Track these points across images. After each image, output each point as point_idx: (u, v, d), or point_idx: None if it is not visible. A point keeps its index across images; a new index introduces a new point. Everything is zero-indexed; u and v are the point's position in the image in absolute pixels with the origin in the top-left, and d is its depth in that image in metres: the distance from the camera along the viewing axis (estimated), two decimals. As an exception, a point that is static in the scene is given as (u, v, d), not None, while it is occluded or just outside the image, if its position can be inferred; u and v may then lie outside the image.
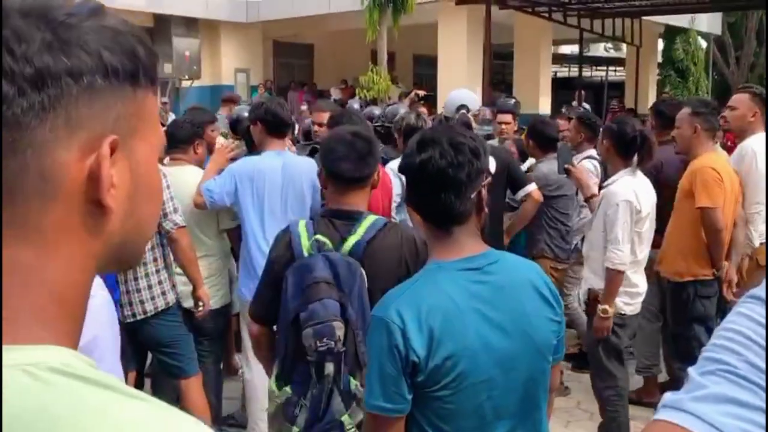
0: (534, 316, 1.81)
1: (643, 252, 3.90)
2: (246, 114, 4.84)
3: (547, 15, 15.56)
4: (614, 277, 3.78)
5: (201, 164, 4.32)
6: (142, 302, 3.71)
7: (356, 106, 5.63)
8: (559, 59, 26.70)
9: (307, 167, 4.00)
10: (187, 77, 18.66)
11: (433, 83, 16.73)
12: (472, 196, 1.79)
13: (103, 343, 1.44)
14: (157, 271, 3.75)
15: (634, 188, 3.76)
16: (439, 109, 4.63)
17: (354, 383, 2.35)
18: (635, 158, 3.87)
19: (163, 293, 3.77)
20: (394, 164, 4.37)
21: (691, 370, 0.77)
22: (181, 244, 3.78)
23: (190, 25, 18.63)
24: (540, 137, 4.99)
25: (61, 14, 0.66)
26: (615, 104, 17.60)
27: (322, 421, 2.33)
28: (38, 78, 0.63)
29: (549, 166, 4.73)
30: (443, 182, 1.76)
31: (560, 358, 1.95)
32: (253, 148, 4.42)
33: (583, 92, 17.32)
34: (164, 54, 18.14)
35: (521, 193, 4.59)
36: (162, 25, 18.08)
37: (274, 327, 2.55)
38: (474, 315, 1.74)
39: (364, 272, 2.36)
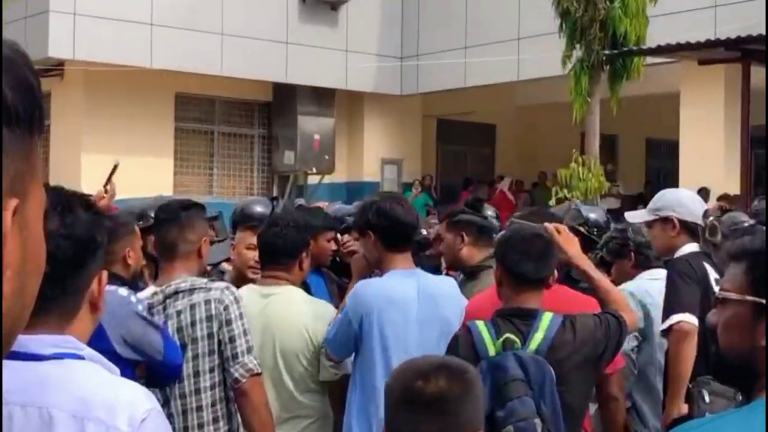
0: None
1: None
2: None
3: None
4: None
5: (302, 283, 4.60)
6: None
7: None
8: None
9: (452, 289, 4.27)
10: (314, 170, 19.42)
11: (674, 180, 16.33)
12: None
13: None
14: None
15: None
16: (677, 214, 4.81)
17: None
18: None
19: None
20: (631, 285, 4.86)
21: None
22: (254, 400, 3.79)
23: (323, 98, 19.63)
24: None
25: None
26: None
27: None
28: None
29: None
30: None
31: None
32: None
33: None
34: (285, 138, 19.02)
35: None
36: (283, 99, 19.15)
37: None
38: None
39: (552, 369, 3.35)
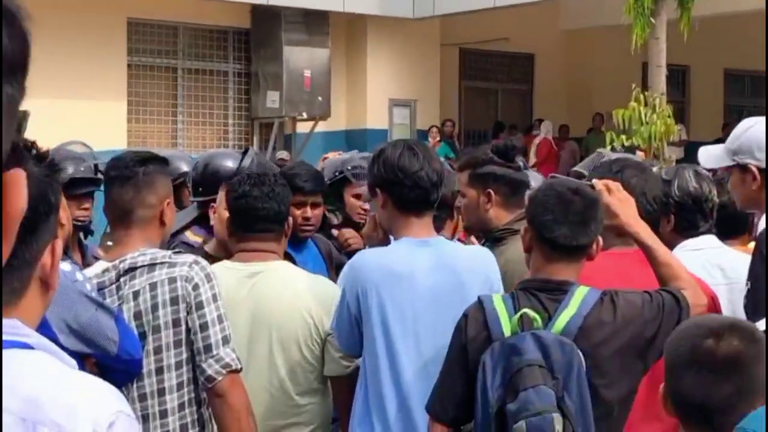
0: None
1: None
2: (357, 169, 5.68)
3: None
4: None
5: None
6: None
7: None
8: None
9: (482, 262, 4.29)
10: (305, 115, 19.47)
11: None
12: None
13: None
14: None
15: None
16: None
17: None
18: None
19: None
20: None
21: None
22: (232, 403, 3.84)
23: (315, 24, 19.55)
24: None
25: None
26: None
27: None
28: None
29: None
30: None
31: None
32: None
33: None
34: (268, 75, 19.01)
35: None
36: (265, 25, 19.15)
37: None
38: None
39: (581, 355, 3.42)
